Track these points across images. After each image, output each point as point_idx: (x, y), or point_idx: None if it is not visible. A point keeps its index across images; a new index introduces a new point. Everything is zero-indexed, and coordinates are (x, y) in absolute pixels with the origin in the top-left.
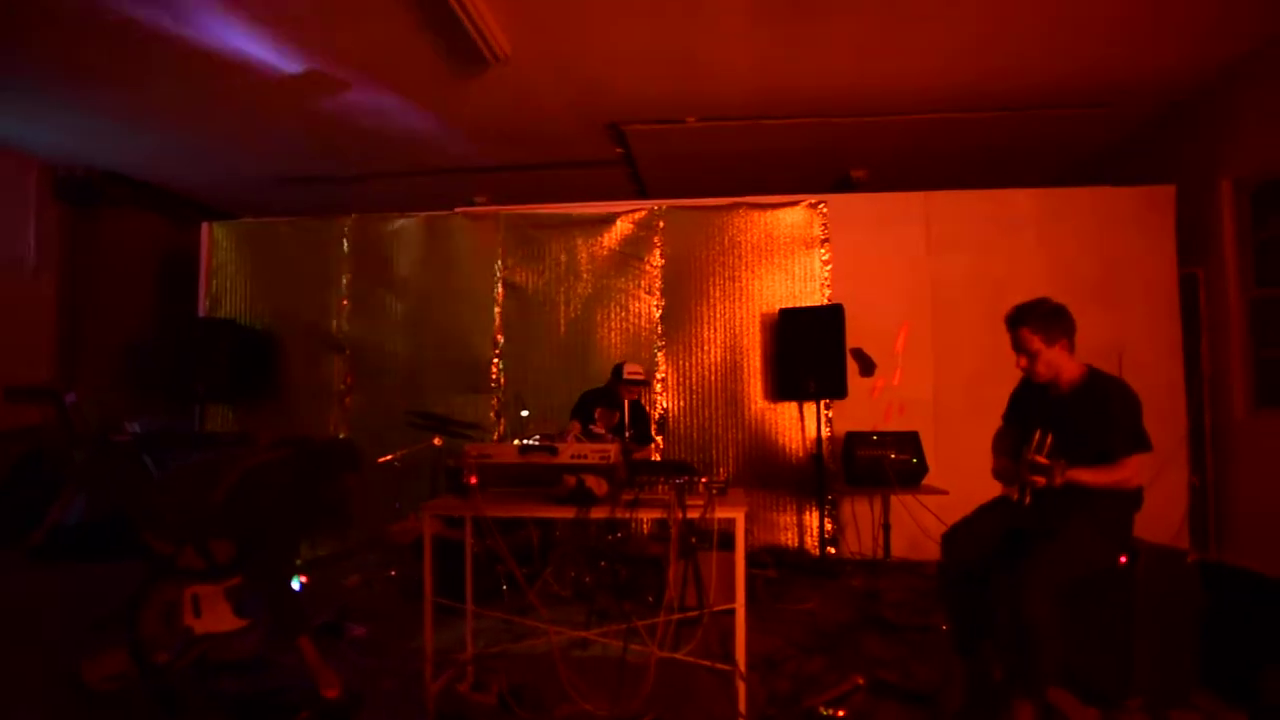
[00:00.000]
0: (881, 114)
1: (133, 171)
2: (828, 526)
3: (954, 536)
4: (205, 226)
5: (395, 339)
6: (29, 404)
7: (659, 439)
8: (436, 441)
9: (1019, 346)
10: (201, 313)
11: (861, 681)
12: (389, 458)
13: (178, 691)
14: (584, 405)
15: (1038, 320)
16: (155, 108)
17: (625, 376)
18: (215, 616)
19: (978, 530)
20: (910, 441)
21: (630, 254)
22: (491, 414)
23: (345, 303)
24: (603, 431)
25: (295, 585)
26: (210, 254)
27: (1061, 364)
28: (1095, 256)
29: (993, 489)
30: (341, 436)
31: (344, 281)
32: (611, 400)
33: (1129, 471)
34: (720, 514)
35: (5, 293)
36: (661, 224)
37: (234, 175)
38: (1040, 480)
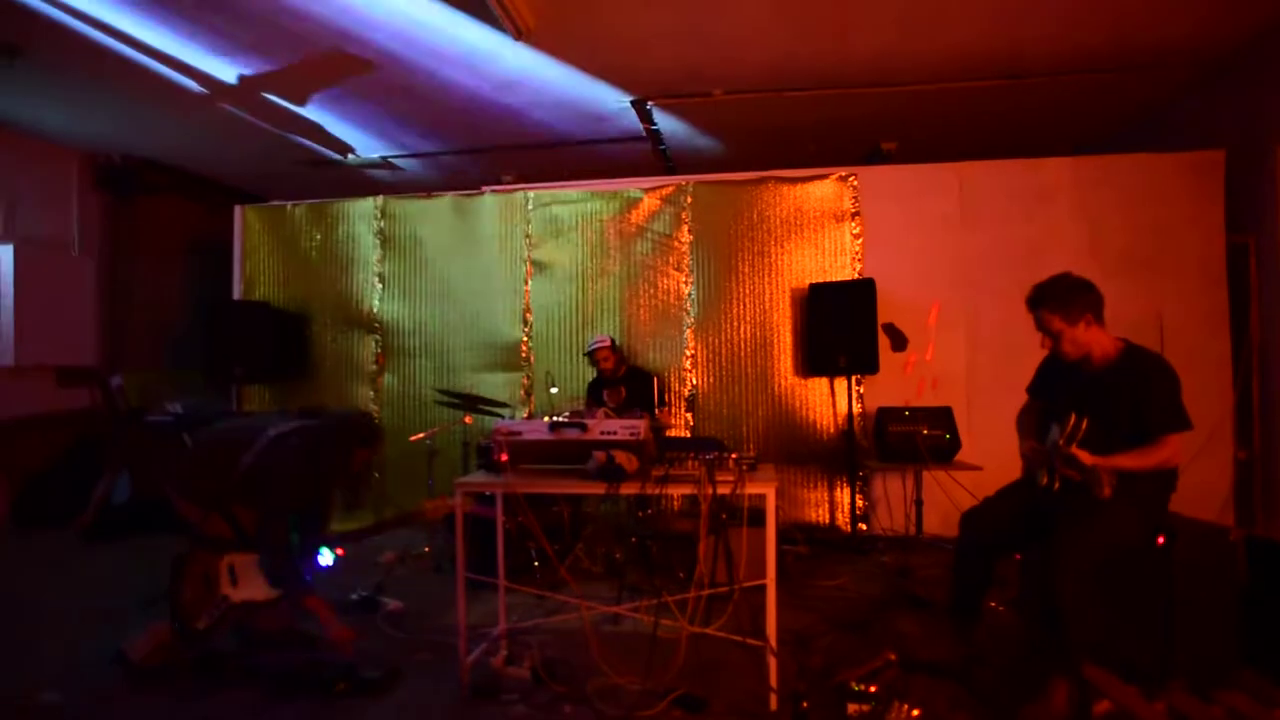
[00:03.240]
0: (911, 83)
1: (167, 158)
2: (859, 503)
3: (974, 517)
4: (238, 210)
5: (426, 318)
6: (77, 387)
7: (688, 415)
8: (467, 419)
9: (1041, 327)
10: (237, 295)
11: (893, 658)
12: (421, 436)
13: (221, 663)
14: (593, 391)
15: (1056, 300)
16: (188, 94)
17: (588, 350)
18: (250, 586)
19: (999, 511)
20: (943, 417)
21: (658, 231)
22: (521, 392)
23: (376, 283)
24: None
25: (328, 558)
26: (244, 237)
27: (1090, 341)
28: (1137, 226)
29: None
30: (363, 411)
31: (374, 262)
32: (609, 380)
33: (1169, 451)
34: (750, 489)
35: (52, 280)
36: (689, 200)
37: (264, 159)
38: (1074, 475)
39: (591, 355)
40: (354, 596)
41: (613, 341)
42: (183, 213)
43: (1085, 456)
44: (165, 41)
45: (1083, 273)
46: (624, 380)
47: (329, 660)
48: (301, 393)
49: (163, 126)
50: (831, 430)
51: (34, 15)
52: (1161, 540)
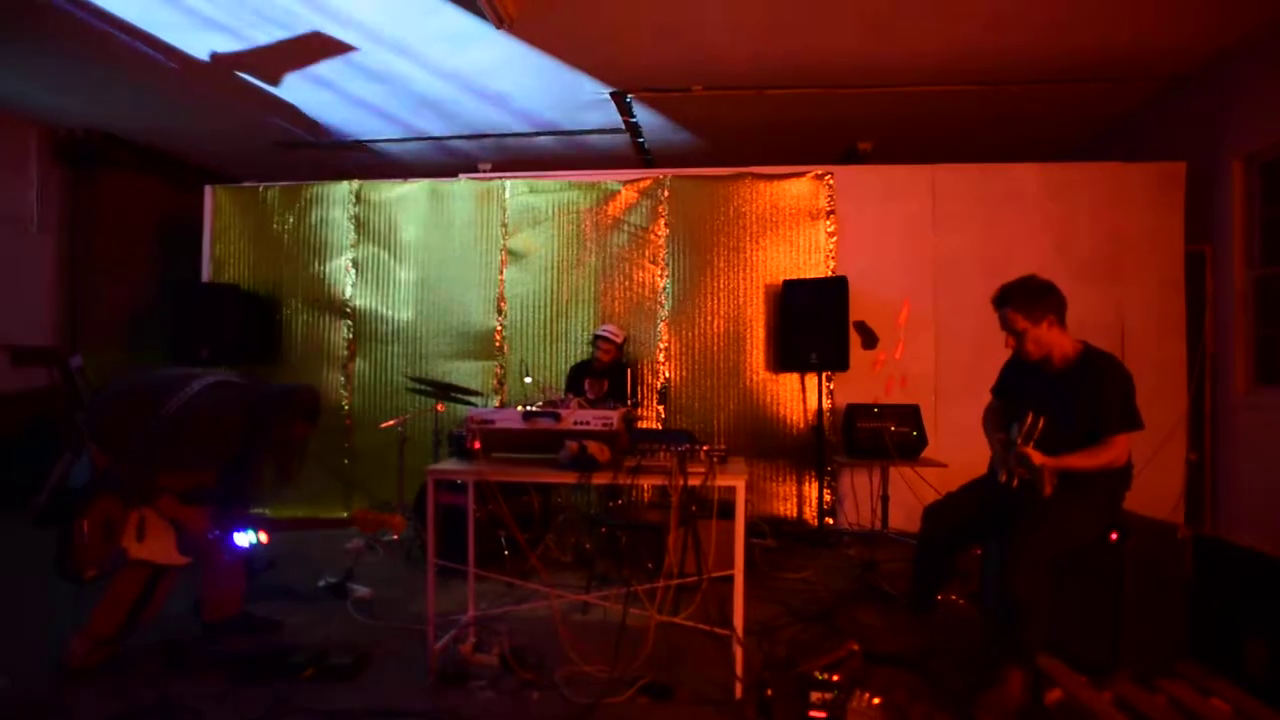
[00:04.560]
0: (888, 85)
1: (133, 134)
2: (826, 497)
3: (935, 511)
4: (208, 190)
5: (399, 305)
6: (33, 366)
7: (659, 408)
8: (439, 407)
9: (1005, 326)
10: (205, 277)
11: (856, 648)
12: (391, 423)
13: (184, 650)
14: (574, 377)
15: (1021, 300)
16: (155, 68)
17: (598, 333)
18: (157, 544)
19: (960, 506)
20: (910, 415)
21: (635, 223)
22: (495, 381)
23: (349, 268)
24: (594, 399)
25: (249, 539)
26: (214, 218)
27: (1052, 341)
28: (1101, 232)
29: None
30: (309, 385)
31: (348, 247)
32: (595, 370)
33: (1117, 450)
34: (721, 482)
35: (7, 255)
36: (666, 193)
37: (236, 139)
38: (1024, 473)
39: (596, 340)
40: (322, 583)
41: (623, 341)
42: (150, 191)
43: (1036, 456)
44: (131, 10)
45: (1049, 277)
46: (609, 373)
47: (296, 646)
48: (271, 377)
49: (128, 100)
50: (801, 426)
51: None
52: (1114, 537)
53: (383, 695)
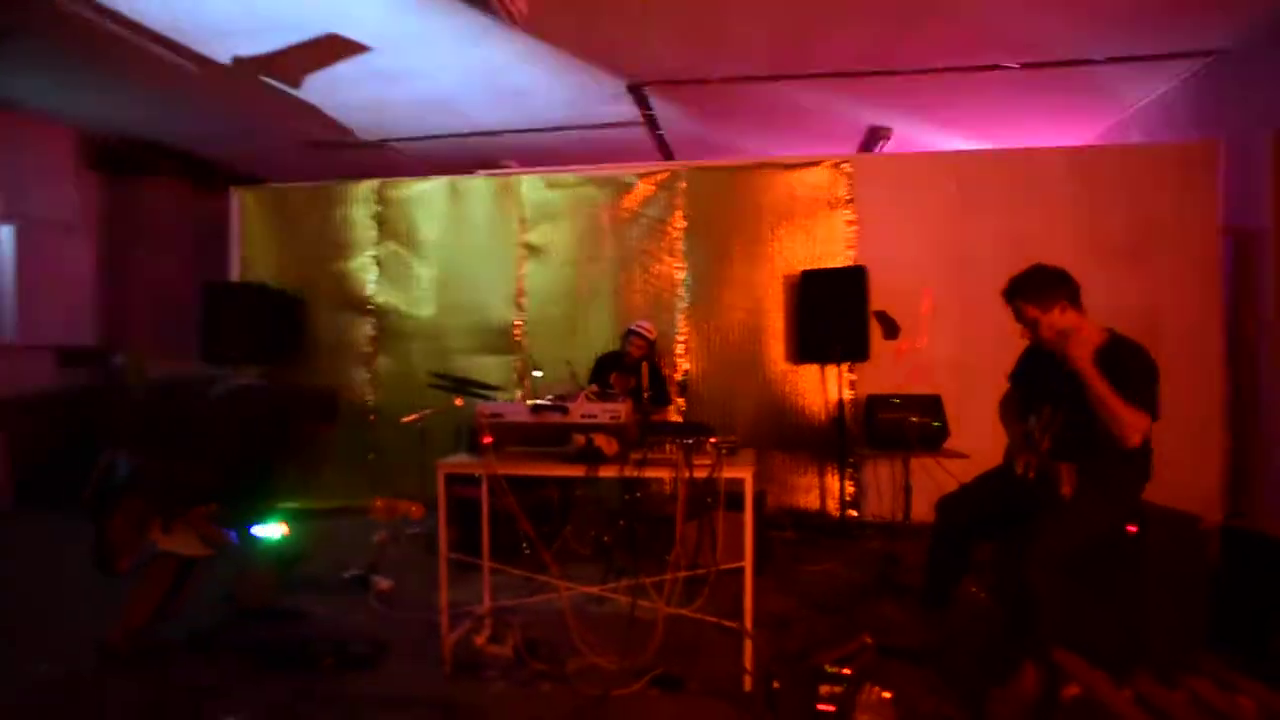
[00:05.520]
0: (910, 70)
1: (165, 139)
2: (849, 489)
3: (950, 503)
4: (235, 192)
5: (420, 301)
6: (79, 366)
7: (680, 401)
8: (458, 402)
9: (1018, 318)
10: (233, 277)
11: (870, 641)
12: (413, 418)
13: (211, 638)
14: (600, 369)
15: (1029, 289)
16: (183, 75)
17: (632, 328)
18: (183, 537)
19: (975, 498)
20: (932, 405)
21: (652, 216)
22: (514, 375)
23: (372, 266)
24: (620, 394)
25: (273, 529)
26: (241, 220)
27: (1068, 325)
28: (1131, 216)
29: None
30: (324, 386)
31: (369, 245)
32: (625, 364)
33: (1131, 419)
34: (728, 474)
35: (52, 260)
36: (683, 185)
37: (261, 141)
38: (1037, 465)
39: (629, 335)
40: (346, 575)
41: (655, 339)
42: (182, 194)
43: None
44: (159, 21)
45: (1077, 263)
46: (639, 369)
47: (318, 636)
48: (297, 374)
49: (159, 107)
50: (822, 417)
51: None
52: (1133, 529)
53: (399, 684)
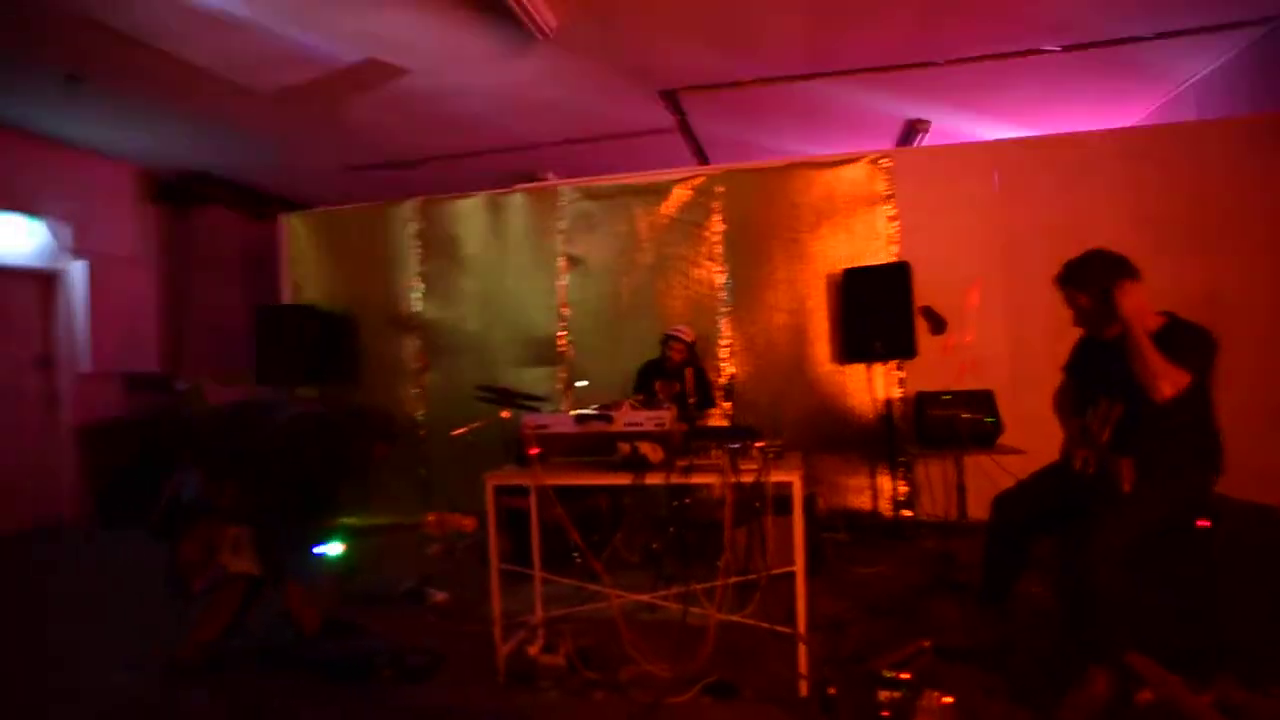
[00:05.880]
0: (947, 61)
1: (216, 170)
2: (901, 489)
3: (1006, 500)
4: (284, 218)
5: (465, 316)
6: (146, 391)
7: (726, 405)
8: (505, 414)
9: (1071, 304)
10: (285, 300)
11: (928, 645)
12: (461, 431)
13: (277, 651)
14: (644, 377)
15: (1083, 276)
16: (232, 108)
17: (670, 333)
18: (250, 560)
19: (1031, 494)
20: (984, 400)
21: (689, 221)
22: (559, 385)
23: (417, 283)
24: (664, 400)
25: (334, 547)
26: (290, 243)
27: (1127, 310)
28: (1191, 198)
29: None
30: (379, 407)
31: (414, 263)
32: (668, 370)
33: (1164, 369)
34: (776, 478)
35: (119, 291)
36: (720, 189)
37: (305, 167)
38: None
39: (667, 340)
40: (401, 588)
41: (694, 341)
42: (234, 222)
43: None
44: (212, 58)
45: (1130, 248)
46: (682, 374)
47: (377, 649)
48: (349, 393)
49: (210, 139)
50: (871, 416)
51: (93, 42)
52: (1205, 524)
53: (455, 695)
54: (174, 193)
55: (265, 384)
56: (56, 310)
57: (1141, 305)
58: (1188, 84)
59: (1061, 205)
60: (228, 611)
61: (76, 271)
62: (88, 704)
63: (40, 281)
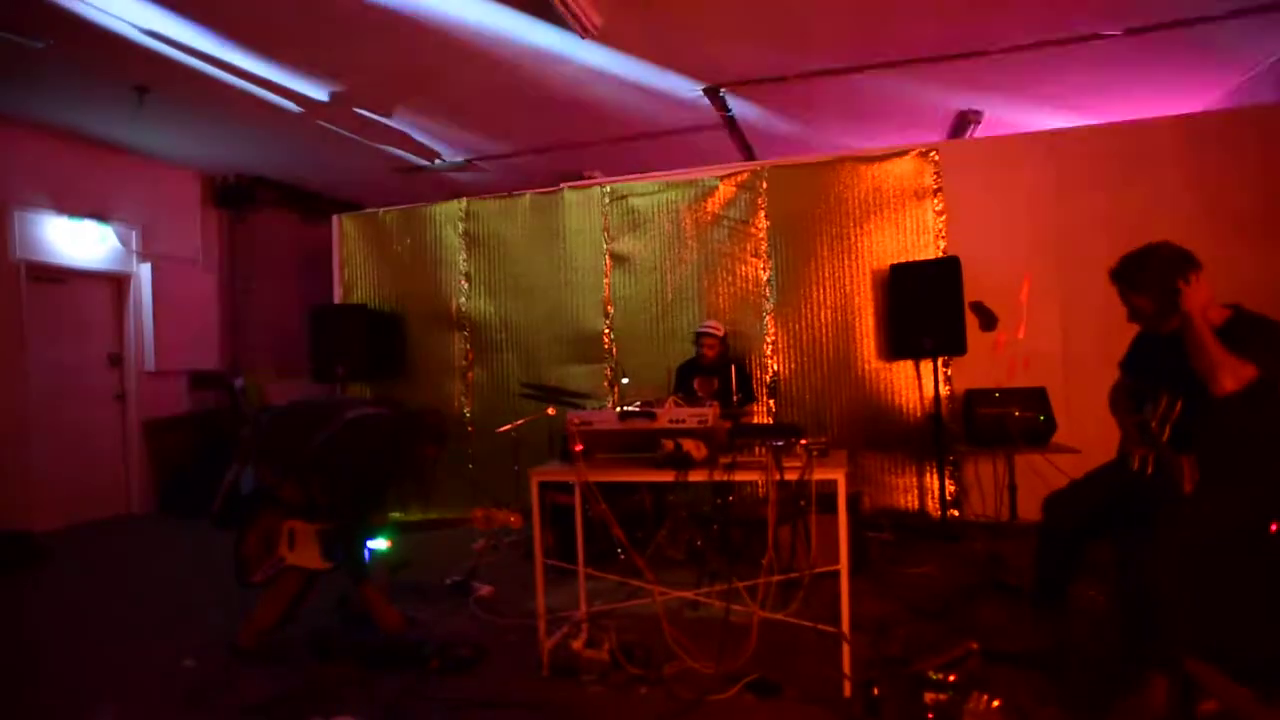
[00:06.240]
0: (1000, 49)
1: (272, 173)
2: (949, 488)
3: (1058, 501)
4: (335, 219)
5: (511, 315)
6: (207, 389)
7: (770, 403)
8: (550, 411)
9: (1125, 302)
10: (337, 299)
11: (976, 647)
12: (507, 428)
13: (328, 641)
14: (682, 376)
15: (1138, 274)
16: (287, 115)
17: (701, 330)
18: (306, 552)
19: (1085, 495)
20: (1036, 398)
21: (734, 218)
22: (605, 383)
23: (463, 282)
24: (705, 398)
25: (381, 543)
26: (341, 244)
27: (1191, 305)
28: (1263, 186)
29: None
30: (435, 409)
31: (460, 262)
32: (704, 367)
33: (1225, 360)
34: (820, 475)
35: (184, 292)
36: (764, 185)
37: (356, 170)
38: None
39: (699, 338)
40: (448, 582)
41: (725, 334)
42: (288, 224)
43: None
44: (268, 69)
45: (1196, 239)
46: (719, 370)
47: (424, 640)
48: (398, 390)
49: (267, 145)
50: (918, 414)
51: (157, 57)
52: (1277, 528)
53: (499, 686)
54: (231, 197)
55: (319, 382)
56: (126, 312)
57: (1205, 298)
58: (1263, 66)
59: (1121, 196)
60: (284, 601)
61: (143, 274)
62: (165, 683)
63: (111, 284)
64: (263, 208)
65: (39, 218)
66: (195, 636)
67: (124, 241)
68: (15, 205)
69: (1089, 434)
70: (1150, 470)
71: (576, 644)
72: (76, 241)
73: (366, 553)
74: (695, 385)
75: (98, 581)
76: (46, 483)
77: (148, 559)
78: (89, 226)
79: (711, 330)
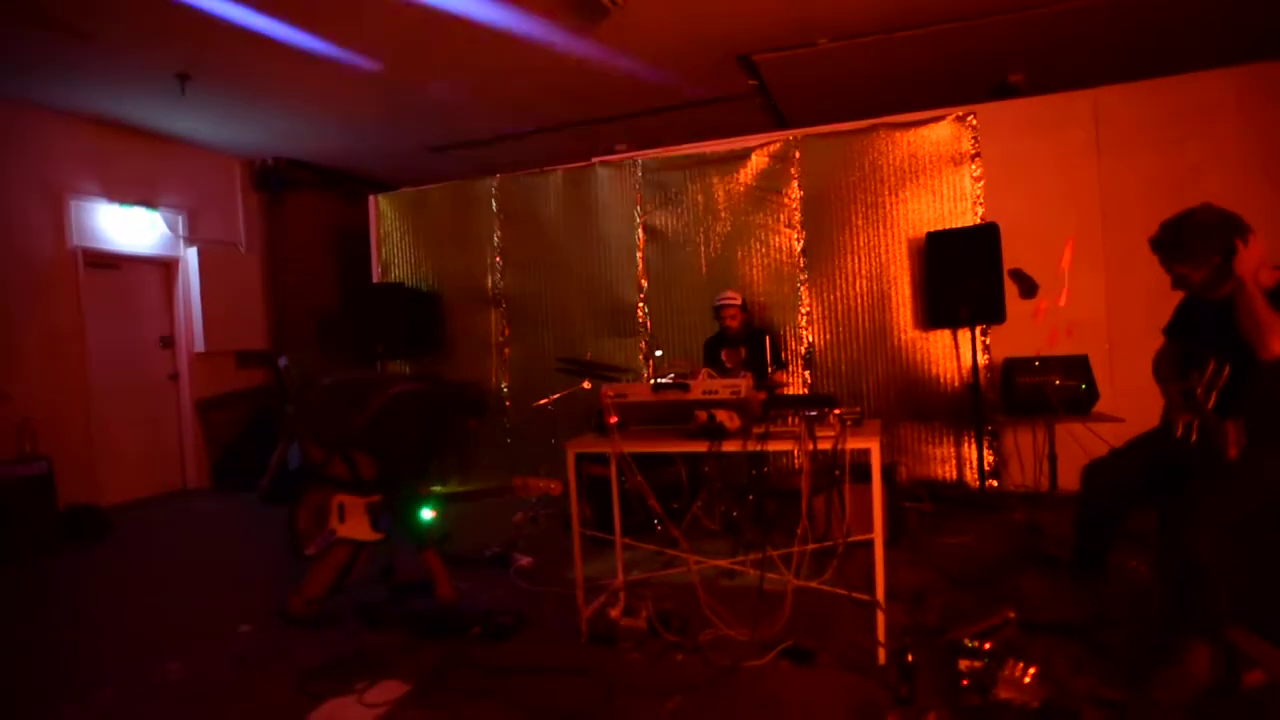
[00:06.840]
0: (1043, 5)
1: (308, 156)
2: (988, 458)
3: (1097, 470)
4: (371, 199)
5: (546, 289)
6: (253, 368)
7: (805, 374)
8: (585, 385)
9: (1167, 270)
10: (375, 278)
11: (1012, 615)
12: (543, 402)
13: (375, 609)
14: (709, 350)
15: (1177, 243)
16: (322, 96)
17: (718, 303)
18: (356, 525)
19: (1125, 464)
20: (1078, 366)
21: (767, 188)
22: (640, 356)
23: (498, 259)
24: (733, 369)
25: (427, 513)
26: (377, 223)
27: (1239, 272)
28: None
29: None
30: (475, 383)
31: (495, 238)
32: (730, 339)
33: (1274, 323)
34: (853, 444)
35: (229, 274)
36: (797, 154)
37: (389, 149)
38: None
39: (718, 311)
40: (488, 553)
41: (743, 301)
42: (325, 204)
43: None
44: (310, 43)
45: (1254, 195)
46: (745, 340)
47: (466, 609)
48: (436, 365)
49: (304, 127)
50: (956, 384)
51: (199, 45)
52: None
53: (539, 653)
54: (270, 180)
55: (359, 359)
56: (175, 295)
57: (1258, 259)
58: None
59: (1170, 154)
60: (333, 572)
61: (190, 258)
62: (221, 646)
63: (161, 269)
64: (300, 189)
65: (92, 206)
66: (250, 604)
67: (171, 227)
68: (71, 194)
69: (1134, 403)
70: (1194, 438)
71: (614, 612)
72: (127, 228)
73: (424, 520)
74: (723, 357)
75: (159, 552)
76: (110, 460)
77: (204, 532)
78: (138, 213)
79: (729, 300)
